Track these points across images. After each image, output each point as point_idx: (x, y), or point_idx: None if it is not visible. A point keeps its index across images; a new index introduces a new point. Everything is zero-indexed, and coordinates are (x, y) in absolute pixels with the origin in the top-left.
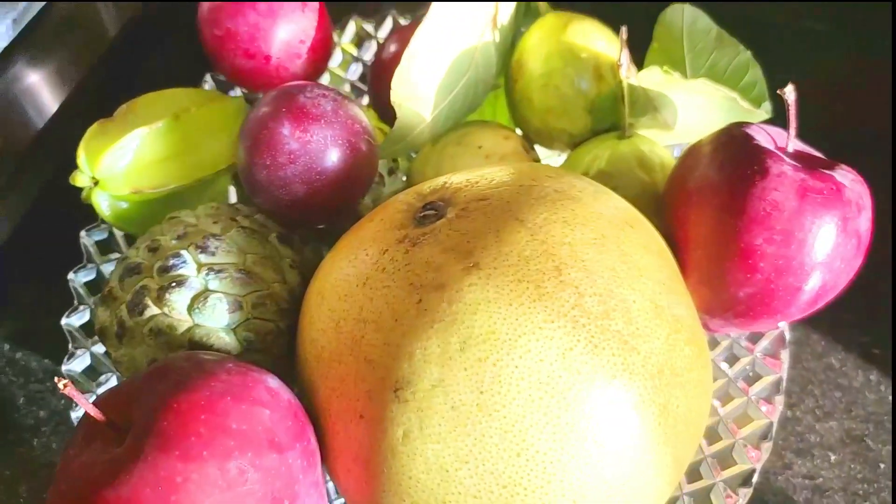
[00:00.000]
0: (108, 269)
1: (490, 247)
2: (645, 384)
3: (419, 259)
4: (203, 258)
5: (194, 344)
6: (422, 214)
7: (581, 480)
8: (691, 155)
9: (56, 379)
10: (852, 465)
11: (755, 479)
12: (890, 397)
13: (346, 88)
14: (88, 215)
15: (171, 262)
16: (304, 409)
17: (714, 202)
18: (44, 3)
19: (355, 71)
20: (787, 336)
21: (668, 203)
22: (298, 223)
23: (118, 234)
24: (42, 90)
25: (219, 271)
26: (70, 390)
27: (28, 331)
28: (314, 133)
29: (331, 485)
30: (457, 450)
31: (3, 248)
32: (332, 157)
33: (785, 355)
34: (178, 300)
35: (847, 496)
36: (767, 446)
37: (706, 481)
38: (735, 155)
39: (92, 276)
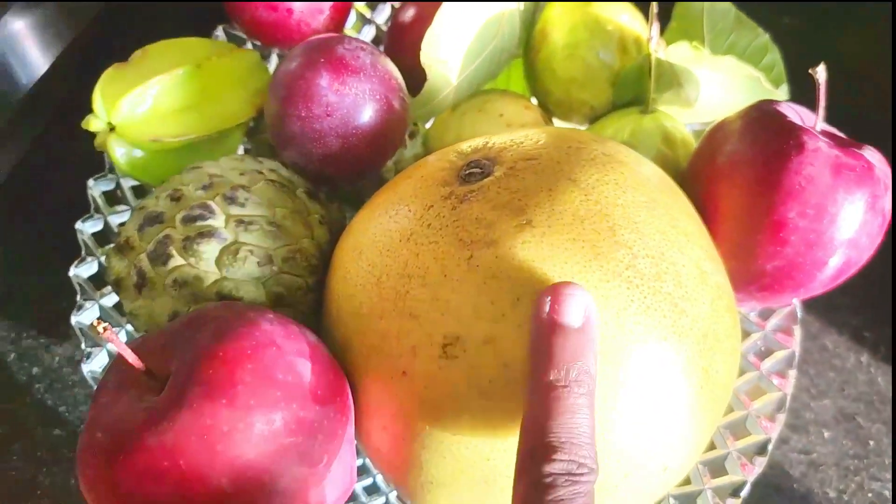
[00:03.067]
0: (115, 220)
1: (543, 205)
2: (692, 347)
3: (468, 215)
4: (233, 210)
5: (222, 297)
6: (467, 172)
7: (627, 438)
8: (721, 130)
9: (96, 321)
10: (844, 442)
11: (770, 447)
12: (879, 379)
13: None
14: (82, 167)
15: (199, 211)
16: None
17: (748, 176)
18: None
19: (368, 33)
20: (799, 313)
21: (695, 177)
22: (325, 181)
23: (125, 185)
24: (41, 36)
25: (249, 223)
26: (110, 334)
27: (17, 287)
28: (353, 86)
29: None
30: (506, 408)
31: None
32: (369, 111)
33: (797, 331)
34: (207, 251)
35: (839, 471)
36: (781, 417)
37: (720, 451)
38: (769, 130)
39: (99, 227)
